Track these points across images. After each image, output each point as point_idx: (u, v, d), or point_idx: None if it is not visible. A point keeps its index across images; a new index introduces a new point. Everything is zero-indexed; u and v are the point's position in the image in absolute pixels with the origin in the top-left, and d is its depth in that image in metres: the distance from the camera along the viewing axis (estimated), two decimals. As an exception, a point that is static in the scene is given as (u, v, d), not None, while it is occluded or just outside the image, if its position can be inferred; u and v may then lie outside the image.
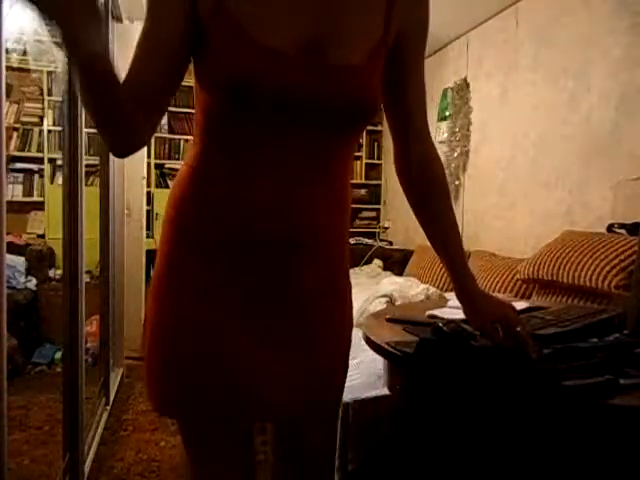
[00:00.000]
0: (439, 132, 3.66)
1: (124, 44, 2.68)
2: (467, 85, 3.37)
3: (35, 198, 3.61)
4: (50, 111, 3.61)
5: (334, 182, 0.73)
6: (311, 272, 0.72)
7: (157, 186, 4.13)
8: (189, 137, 4.17)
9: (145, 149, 3.38)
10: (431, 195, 0.85)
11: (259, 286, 0.70)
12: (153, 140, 4.02)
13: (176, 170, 4.12)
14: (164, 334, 0.71)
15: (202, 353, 0.69)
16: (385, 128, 4.71)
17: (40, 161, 3.59)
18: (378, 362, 1.45)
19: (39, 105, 3.60)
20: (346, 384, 1.68)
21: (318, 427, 0.81)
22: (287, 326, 0.73)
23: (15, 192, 3.55)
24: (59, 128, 3.28)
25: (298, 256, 0.70)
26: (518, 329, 0.80)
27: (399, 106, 0.83)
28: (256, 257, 0.69)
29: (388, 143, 4.68)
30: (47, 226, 3.49)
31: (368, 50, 0.70)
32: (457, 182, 3.47)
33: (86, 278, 1.80)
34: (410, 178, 0.87)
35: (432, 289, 2.60)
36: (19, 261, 3.12)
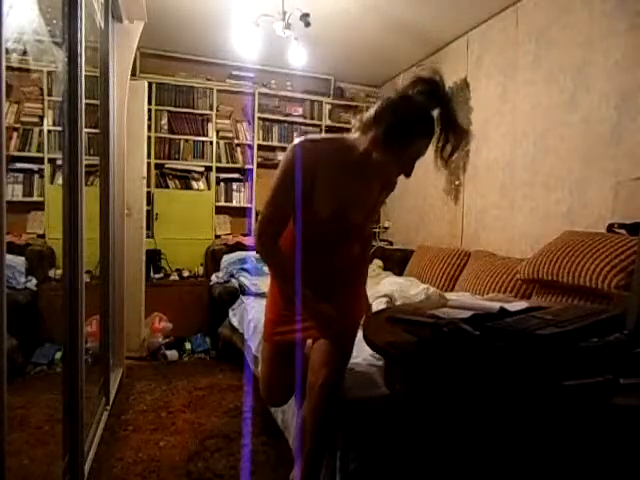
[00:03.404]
0: (439, 132, 3.65)
1: (124, 44, 2.69)
2: (467, 85, 3.37)
3: (35, 198, 3.60)
4: (50, 111, 3.60)
5: (351, 261, 1.57)
6: (342, 292, 1.55)
7: (157, 186, 4.12)
8: (189, 137, 4.17)
9: (145, 149, 3.39)
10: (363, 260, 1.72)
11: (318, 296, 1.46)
12: (153, 140, 4.03)
13: (176, 170, 4.14)
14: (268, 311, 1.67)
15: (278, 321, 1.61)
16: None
17: (40, 161, 3.58)
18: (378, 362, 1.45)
19: (39, 105, 3.59)
20: (346, 384, 1.68)
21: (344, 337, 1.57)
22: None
23: (15, 192, 3.55)
24: (59, 128, 3.28)
25: (332, 285, 1.52)
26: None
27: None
28: (316, 286, 1.46)
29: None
30: (47, 226, 3.49)
31: (366, 213, 1.52)
32: (457, 182, 3.47)
33: (86, 278, 1.80)
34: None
35: (432, 289, 2.60)
36: (19, 261, 3.12)
